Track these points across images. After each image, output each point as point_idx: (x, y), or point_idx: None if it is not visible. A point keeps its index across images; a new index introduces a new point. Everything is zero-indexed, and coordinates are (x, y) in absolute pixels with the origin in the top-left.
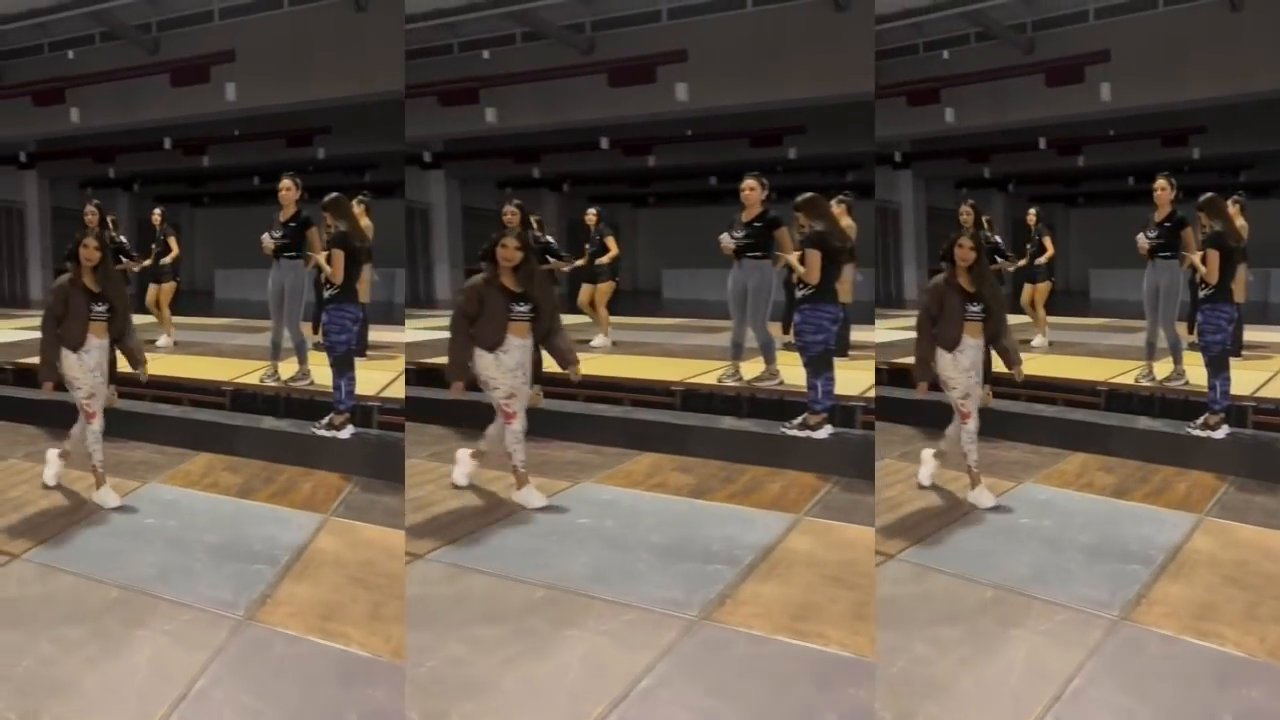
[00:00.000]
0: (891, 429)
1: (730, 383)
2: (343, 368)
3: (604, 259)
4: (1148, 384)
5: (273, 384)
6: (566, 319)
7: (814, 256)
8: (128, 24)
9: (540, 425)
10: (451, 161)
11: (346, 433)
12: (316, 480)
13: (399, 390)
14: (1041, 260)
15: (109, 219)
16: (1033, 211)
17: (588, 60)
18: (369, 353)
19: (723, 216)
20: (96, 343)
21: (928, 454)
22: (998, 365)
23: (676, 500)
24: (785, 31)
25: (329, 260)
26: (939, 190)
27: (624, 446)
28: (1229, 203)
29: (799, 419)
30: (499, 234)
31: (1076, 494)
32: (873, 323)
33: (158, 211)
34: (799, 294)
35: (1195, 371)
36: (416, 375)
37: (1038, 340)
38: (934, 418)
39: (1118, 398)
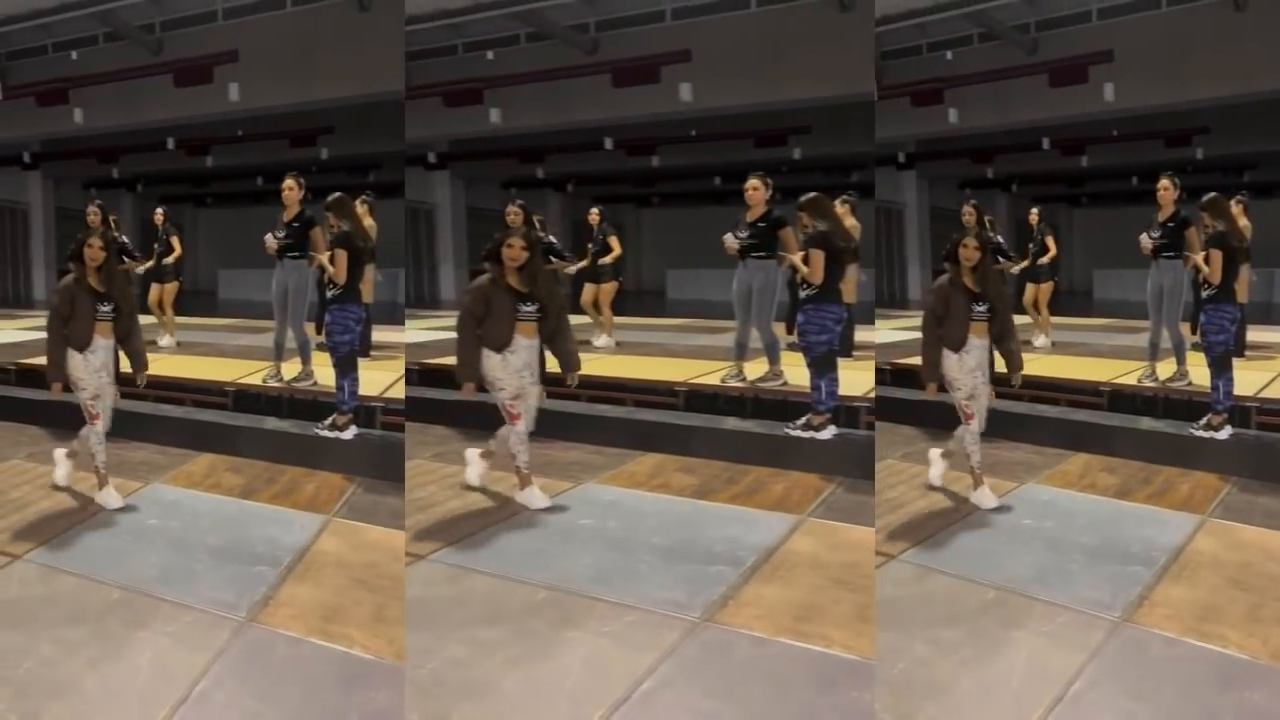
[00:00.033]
0: (894, 429)
1: (734, 383)
2: (346, 368)
3: (607, 259)
4: (1151, 384)
5: (275, 384)
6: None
7: (817, 256)
8: (131, 24)
9: (543, 425)
10: (456, 162)
11: (350, 433)
12: (319, 481)
13: (403, 390)
14: (1044, 260)
15: (111, 219)
16: (1035, 211)
17: (592, 61)
18: (372, 353)
19: (727, 217)
20: (102, 343)
21: (935, 454)
22: (998, 365)
23: (679, 501)
24: (789, 31)
25: (332, 260)
26: (943, 191)
27: (627, 447)
28: (1232, 203)
29: (803, 419)
30: (504, 233)
31: (1079, 495)
32: (873, 322)
33: (160, 211)
34: (802, 294)
35: (1198, 372)
36: (420, 376)
37: (1041, 341)
38: (937, 418)
39: (1121, 398)
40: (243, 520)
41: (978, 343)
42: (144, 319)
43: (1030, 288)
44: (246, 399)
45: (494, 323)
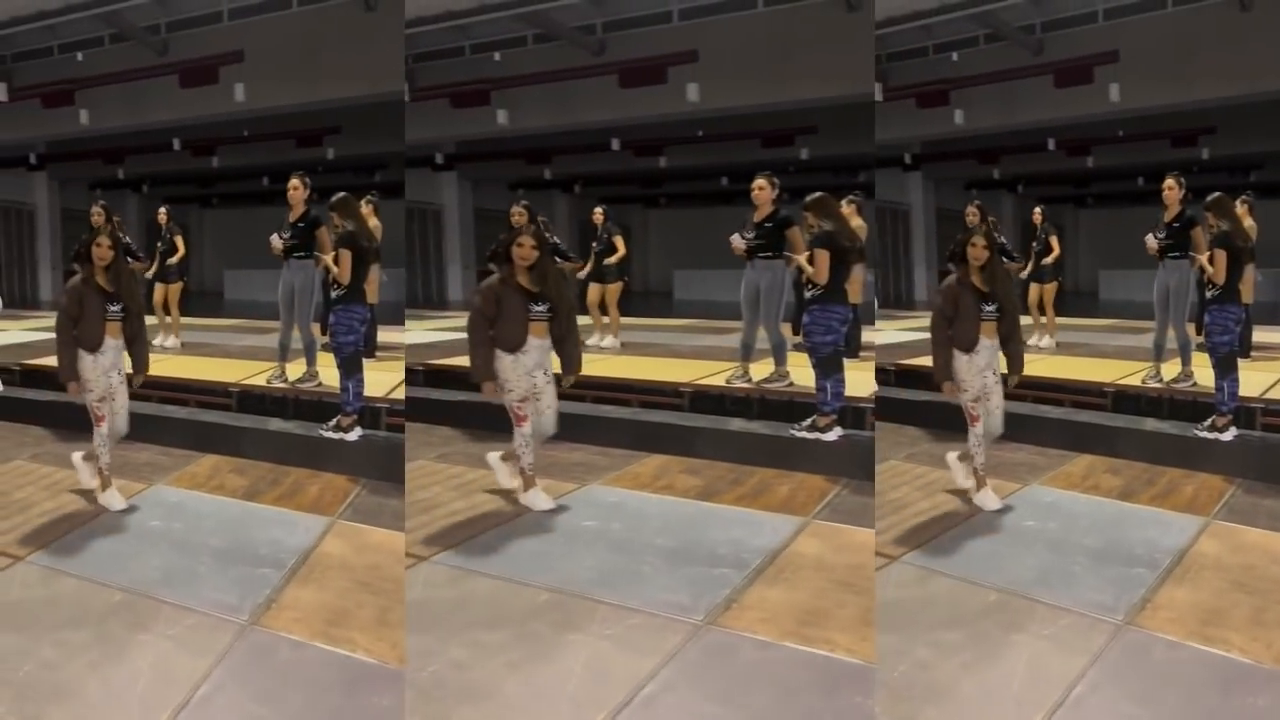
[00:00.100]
0: (899, 430)
1: (739, 384)
2: (350, 369)
3: (612, 259)
4: (1155, 385)
5: (280, 385)
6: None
7: (822, 257)
8: (137, 25)
9: None
10: (463, 163)
11: (354, 435)
12: (324, 483)
13: (410, 391)
14: (1048, 260)
15: (114, 220)
16: (1038, 211)
17: (599, 61)
18: (378, 353)
19: (734, 217)
20: (112, 343)
21: (952, 457)
22: (1000, 366)
23: (684, 502)
24: (796, 32)
25: (336, 260)
26: (948, 192)
27: (631, 448)
28: (1237, 203)
29: (808, 421)
30: (513, 233)
31: (1082, 496)
32: (873, 322)
33: (163, 210)
34: (808, 294)
35: (1204, 373)
36: (426, 376)
37: (1045, 341)
38: (941, 419)
39: (1125, 399)
40: (246, 522)
41: (987, 343)
42: (148, 320)
43: (1034, 288)
44: (251, 400)
45: (506, 323)
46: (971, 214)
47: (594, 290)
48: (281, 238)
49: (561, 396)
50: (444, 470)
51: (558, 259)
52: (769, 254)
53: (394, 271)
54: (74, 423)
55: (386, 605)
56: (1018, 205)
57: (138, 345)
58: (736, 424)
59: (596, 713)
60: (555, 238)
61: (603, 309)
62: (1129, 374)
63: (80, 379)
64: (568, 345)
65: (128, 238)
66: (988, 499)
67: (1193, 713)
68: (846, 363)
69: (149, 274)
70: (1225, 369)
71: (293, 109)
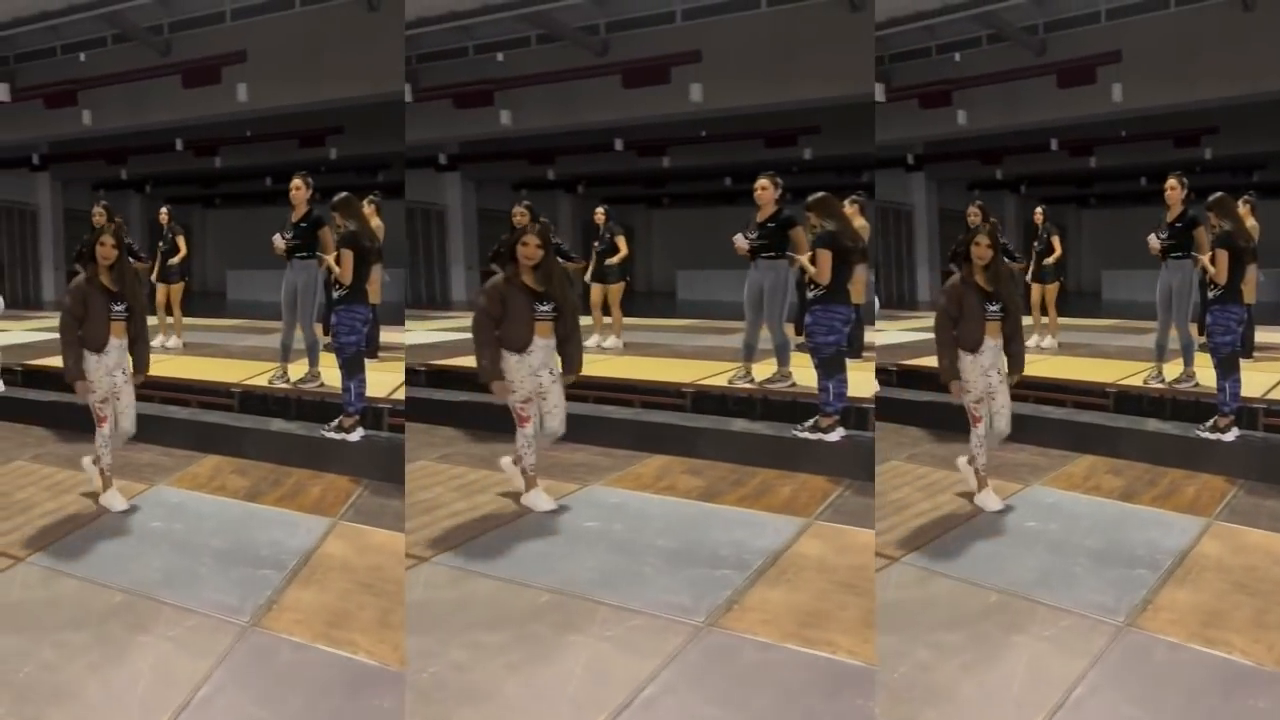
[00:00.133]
0: (900, 430)
1: (741, 384)
2: (353, 369)
3: (614, 259)
4: (1157, 386)
5: (282, 386)
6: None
7: (825, 257)
8: (139, 26)
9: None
10: (467, 164)
11: (356, 435)
12: (325, 483)
13: (412, 392)
14: (1050, 261)
15: (116, 220)
16: (1039, 210)
17: (602, 62)
18: (380, 354)
19: (737, 217)
20: (116, 343)
21: (962, 462)
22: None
23: (685, 503)
24: (800, 32)
25: (338, 260)
26: (951, 192)
27: (633, 448)
28: (1239, 203)
29: (810, 421)
30: (518, 232)
31: (1084, 497)
32: (873, 323)
33: (164, 210)
34: (810, 295)
35: (1206, 373)
36: (428, 377)
37: (1048, 342)
38: (943, 419)
39: (1127, 400)
40: (247, 523)
41: (991, 343)
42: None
43: (1036, 288)
44: (253, 400)
45: (511, 323)
46: (973, 214)
47: (596, 291)
48: (284, 238)
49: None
50: (446, 471)
51: (560, 259)
52: (772, 254)
53: (394, 271)
54: (76, 423)
55: (388, 607)
56: (1020, 205)
57: (139, 345)
58: (739, 424)
59: (596, 714)
60: (557, 238)
61: (605, 309)
62: (1131, 374)
63: (86, 378)
64: (570, 345)
65: (130, 238)
66: (989, 500)
67: (1193, 715)
68: (849, 363)
69: (153, 277)
70: (1227, 369)
71: (295, 109)
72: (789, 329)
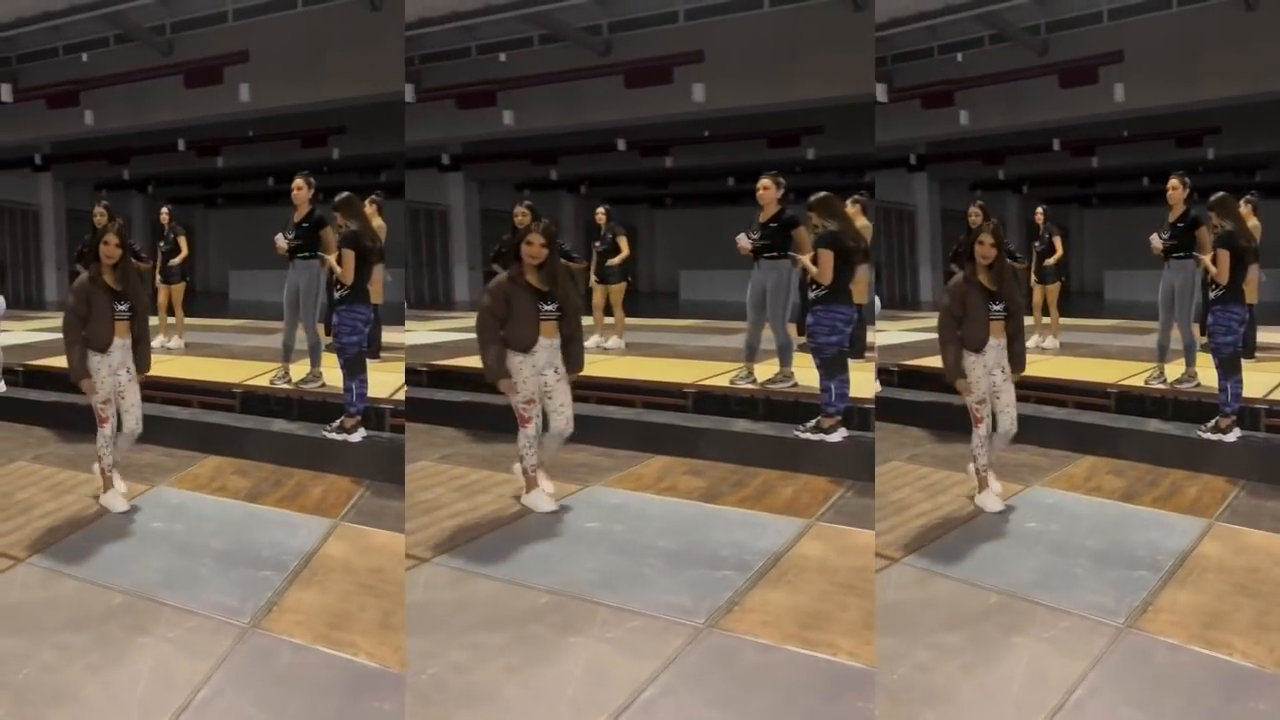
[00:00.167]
0: (902, 431)
1: (743, 385)
2: (354, 369)
3: (615, 260)
4: (1159, 386)
5: (284, 386)
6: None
7: (826, 257)
8: (141, 26)
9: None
10: (469, 164)
11: (358, 436)
12: (327, 484)
13: (414, 392)
14: (1051, 261)
15: (117, 220)
16: (1040, 210)
17: (605, 62)
18: (382, 354)
19: (740, 217)
20: (119, 343)
21: (972, 468)
22: None
23: (686, 504)
24: (802, 32)
25: (340, 260)
26: (953, 192)
27: (635, 449)
28: (1241, 202)
29: (812, 422)
30: (523, 230)
31: (1084, 498)
32: (873, 323)
33: (165, 210)
34: (812, 295)
35: (1208, 373)
36: (430, 377)
37: (1049, 342)
38: (944, 420)
39: (1128, 400)
40: (248, 524)
41: (994, 342)
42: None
43: (1037, 289)
44: (254, 401)
45: (516, 323)
46: (974, 214)
47: (598, 292)
48: (286, 238)
49: None
50: (447, 471)
51: (563, 260)
52: (775, 254)
53: (394, 271)
54: (78, 424)
55: (389, 608)
56: (1022, 206)
57: (141, 345)
58: (740, 425)
59: (596, 716)
60: (560, 239)
61: (606, 310)
62: (1132, 375)
63: (91, 376)
64: (574, 345)
65: (131, 238)
66: (989, 500)
67: (1193, 717)
68: (851, 363)
69: (159, 282)
70: (1229, 370)
71: (298, 109)
72: (791, 329)
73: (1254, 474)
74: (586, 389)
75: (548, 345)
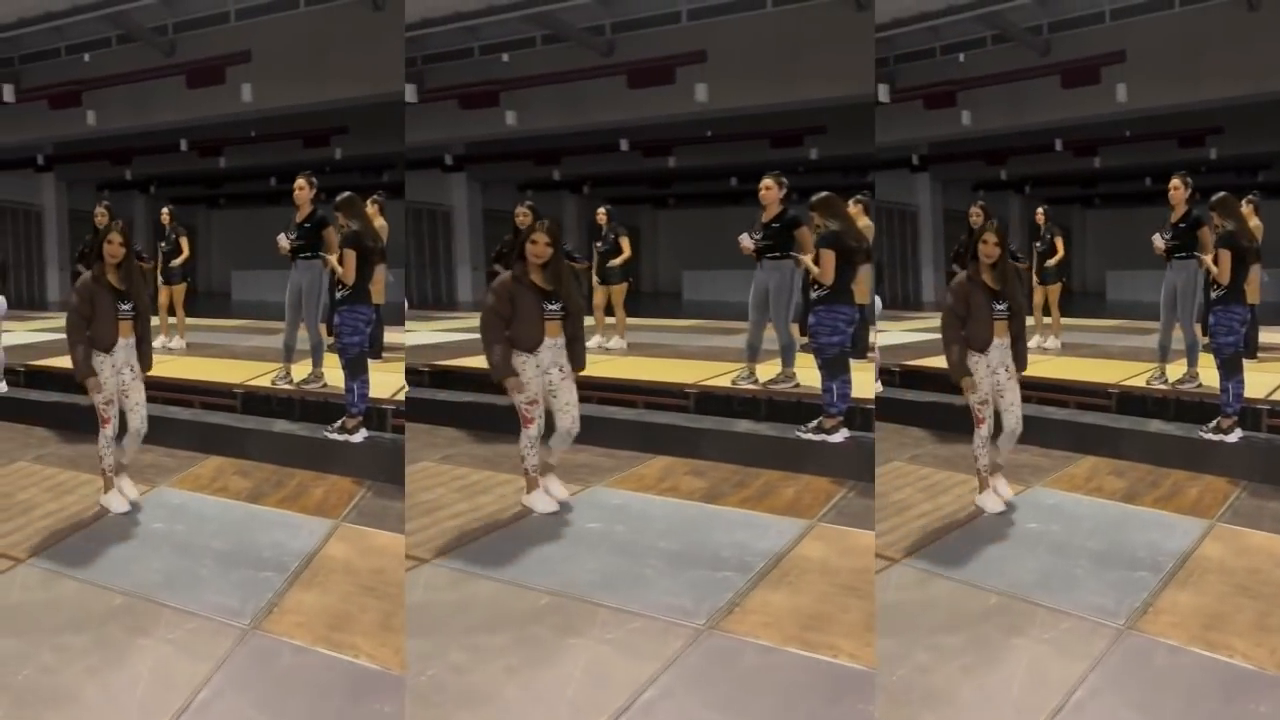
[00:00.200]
0: (903, 431)
1: (745, 385)
2: (356, 370)
3: (617, 261)
4: (1160, 386)
5: (285, 386)
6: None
7: (828, 256)
8: (143, 26)
9: (552, 428)
10: (472, 164)
11: (360, 436)
12: (328, 485)
13: (416, 392)
14: (1052, 262)
15: (118, 220)
16: (1041, 211)
17: (607, 62)
18: (384, 354)
19: (743, 217)
20: (123, 342)
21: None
22: None
23: (688, 505)
24: (805, 31)
25: (341, 260)
26: (956, 193)
27: (636, 449)
28: (1243, 202)
29: (814, 422)
30: (527, 229)
31: (1085, 498)
32: (874, 323)
33: (166, 211)
34: (813, 295)
35: (1210, 374)
36: (432, 377)
37: (1051, 343)
38: (946, 420)
39: (1130, 400)
40: (250, 525)
41: (998, 342)
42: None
43: (1038, 290)
44: (255, 401)
45: (521, 323)
46: (975, 215)
47: (599, 292)
48: (288, 238)
49: None
50: (448, 472)
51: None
52: (777, 254)
53: (394, 271)
54: (79, 424)
55: (390, 610)
56: (1024, 206)
57: (143, 345)
58: (742, 425)
59: (595, 717)
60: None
61: (607, 310)
62: (1134, 375)
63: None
64: (576, 345)
65: (133, 238)
66: (990, 501)
67: (1193, 719)
68: (853, 364)
69: (158, 279)
70: (1230, 370)
71: (300, 109)
72: (794, 329)
73: (1255, 475)
74: (588, 389)
75: (552, 345)
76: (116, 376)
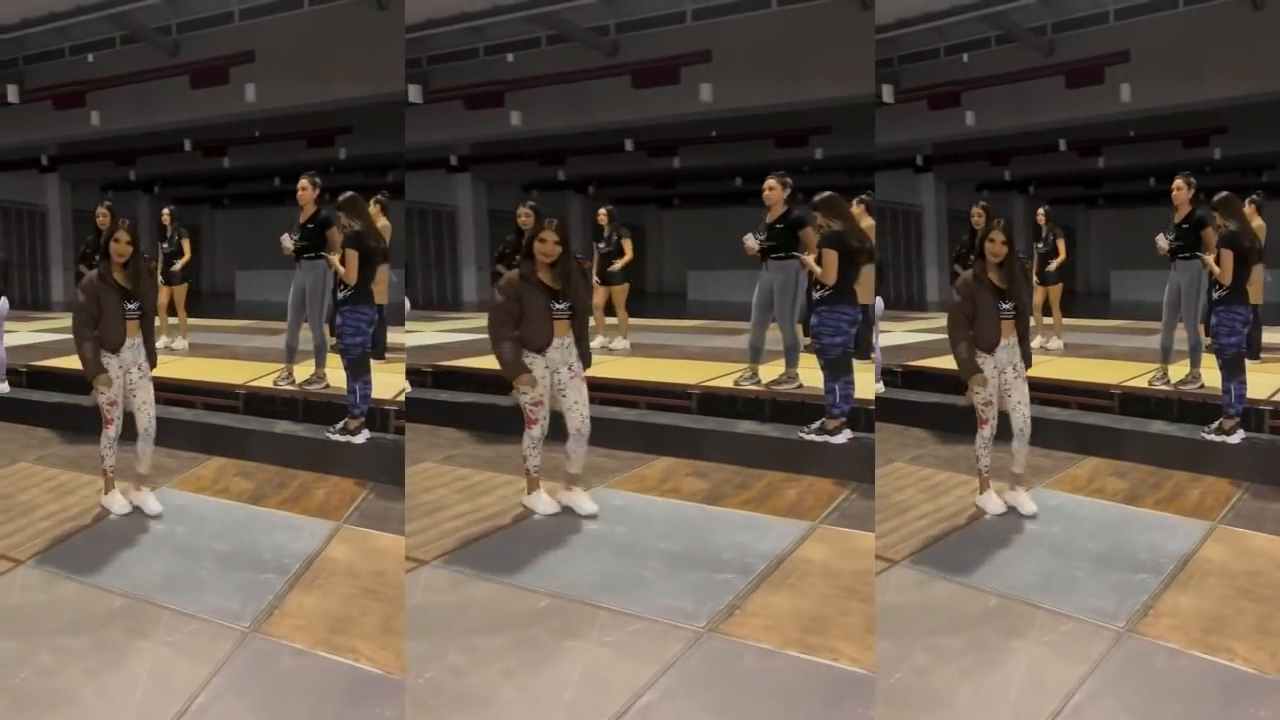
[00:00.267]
0: (905, 432)
1: (747, 386)
2: (358, 371)
3: (619, 263)
4: (1162, 387)
5: (287, 387)
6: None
7: (831, 257)
8: (147, 26)
9: (555, 429)
10: (477, 165)
11: (362, 438)
12: (330, 486)
13: (419, 393)
14: (1053, 264)
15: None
16: (1042, 211)
17: (612, 62)
18: (387, 355)
19: (748, 217)
20: (130, 342)
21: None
22: None
23: (689, 506)
24: (810, 31)
25: (343, 260)
26: (960, 193)
27: (639, 450)
28: (1246, 202)
29: (817, 423)
30: (535, 228)
31: (1086, 499)
32: (876, 324)
33: (167, 211)
34: (816, 295)
35: (1212, 374)
36: (434, 378)
37: (1053, 344)
38: (948, 421)
39: (1132, 401)
40: (251, 526)
41: (1005, 342)
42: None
43: (1039, 290)
44: (257, 402)
45: (530, 323)
46: (977, 215)
47: (599, 293)
48: (292, 238)
49: None
50: (450, 472)
51: None
52: (782, 255)
53: (395, 272)
54: (81, 425)
55: (391, 613)
56: (1028, 206)
57: (148, 344)
58: (744, 426)
59: None
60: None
61: (608, 310)
62: (1136, 375)
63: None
64: (581, 345)
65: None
66: (991, 502)
67: None
68: (856, 364)
69: (159, 280)
70: (1232, 371)
71: (304, 109)
72: (799, 330)
73: (1258, 476)
74: (591, 390)
75: (560, 344)
76: (124, 377)
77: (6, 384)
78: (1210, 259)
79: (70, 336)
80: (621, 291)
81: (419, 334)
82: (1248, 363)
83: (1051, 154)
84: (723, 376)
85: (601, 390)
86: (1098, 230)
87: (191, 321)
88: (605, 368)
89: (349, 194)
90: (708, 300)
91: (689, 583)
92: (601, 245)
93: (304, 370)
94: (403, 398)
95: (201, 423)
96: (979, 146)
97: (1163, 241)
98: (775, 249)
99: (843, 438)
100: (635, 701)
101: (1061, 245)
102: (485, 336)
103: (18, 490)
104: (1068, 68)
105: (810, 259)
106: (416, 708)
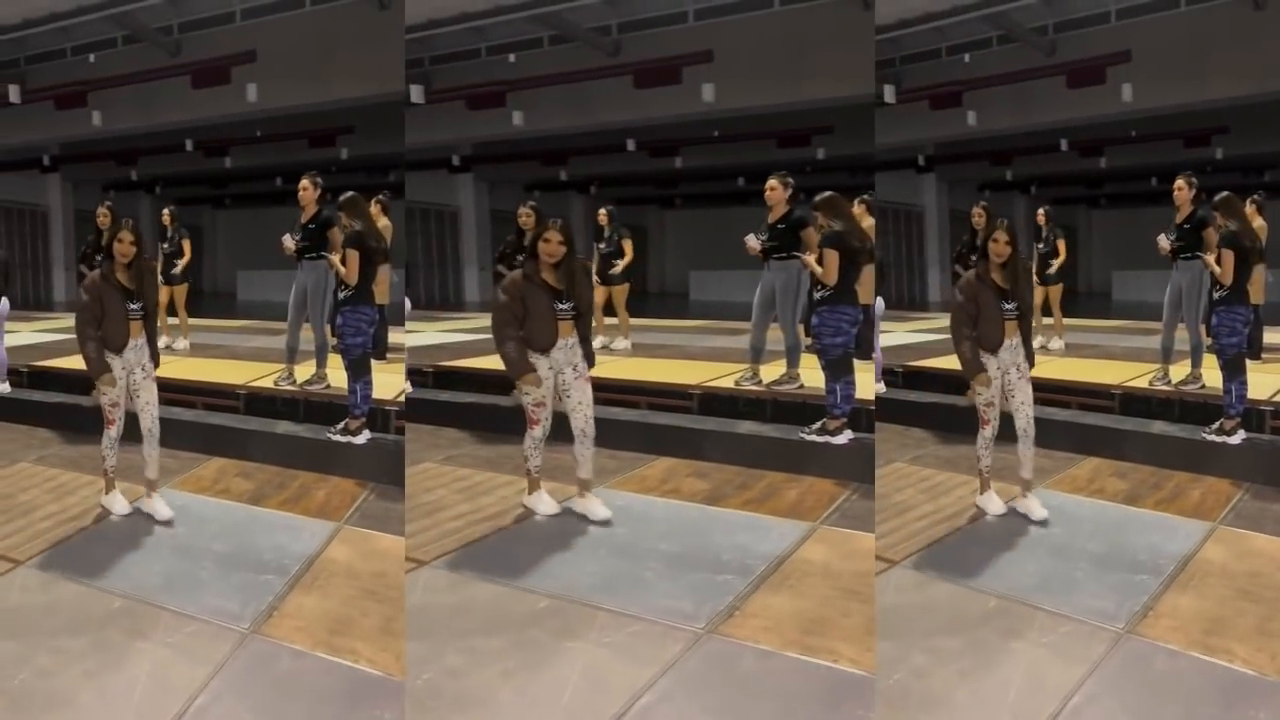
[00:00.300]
0: (905, 432)
1: (748, 386)
2: (359, 371)
3: (619, 264)
4: (1163, 387)
5: (288, 387)
6: None
7: (831, 257)
8: (149, 26)
9: (556, 429)
10: (479, 165)
11: (362, 438)
12: (331, 487)
13: (420, 393)
14: (1054, 265)
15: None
16: (1043, 212)
17: (614, 62)
18: (388, 355)
19: (750, 217)
20: (133, 343)
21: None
22: None
23: (690, 507)
24: (812, 31)
25: (343, 260)
26: (962, 193)
27: (640, 450)
28: (1247, 202)
29: (818, 424)
30: (540, 228)
31: (1087, 500)
32: (876, 324)
33: (167, 211)
34: (817, 295)
35: (1213, 374)
36: (435, 378)
37: (1055, 344)
38: (948, 421)
39: (1132, 401)
40: (251, 527)
41: (1008, 342)
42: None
43: (1039, 290)
44: (258, 402)
45: (534, 323)
46: (977, 215)
47: (600, 293)
48: (293, 238)
49: None
50: (451, 473)
51: None
52: (784, 255)
53: (396, 271)
54: (82, 426)
55: (391, 614)
56: (1030, 206)
57: (151, 344)
58: (745, 427)
59: None
60: None
61: (609, 311)
62: (1137, 376)
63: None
64: (584, 345)
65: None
66: (991, 502)
67: None
68: (857, 364)
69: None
70: (1233, 371)
71: (306, 109)
72: (801, 330)
73: (1258, 477)
74: (591, 390)
75: (564, 345)
76: (127, 377)
77: (7, 384)
78: (1211, 259)
79: (72, 337)
80: (622, 292)
81: (420, 334)
82: (1249, 363)
83: (1053, 154)
84: (724, 377)
85: (602, 390)
86: (1099, 230)
87: (192, 322)
88: (606, 368)
89: (350, 194)
90: (709, 300)
91: (689, 584)
92: (602, 245)
93: (305, 370)
94: (403, 398)
95: (202, 423)
96: (980, 146)
97: (1164, 241)
98: (777, 249)
99: (843, 438)
100: (634, 703)
101: (1062, 245)
102: (486, 337)
103: (18, 491)
104: (1069, 68)
105: (811, 259)
106: (416, 709)
